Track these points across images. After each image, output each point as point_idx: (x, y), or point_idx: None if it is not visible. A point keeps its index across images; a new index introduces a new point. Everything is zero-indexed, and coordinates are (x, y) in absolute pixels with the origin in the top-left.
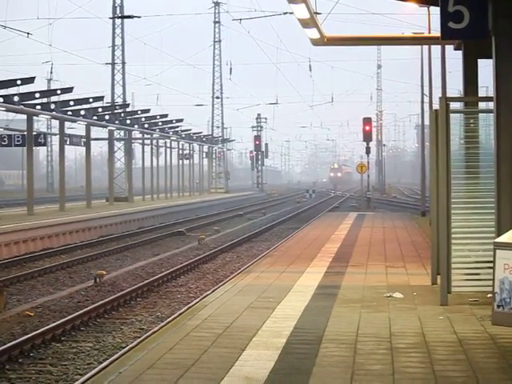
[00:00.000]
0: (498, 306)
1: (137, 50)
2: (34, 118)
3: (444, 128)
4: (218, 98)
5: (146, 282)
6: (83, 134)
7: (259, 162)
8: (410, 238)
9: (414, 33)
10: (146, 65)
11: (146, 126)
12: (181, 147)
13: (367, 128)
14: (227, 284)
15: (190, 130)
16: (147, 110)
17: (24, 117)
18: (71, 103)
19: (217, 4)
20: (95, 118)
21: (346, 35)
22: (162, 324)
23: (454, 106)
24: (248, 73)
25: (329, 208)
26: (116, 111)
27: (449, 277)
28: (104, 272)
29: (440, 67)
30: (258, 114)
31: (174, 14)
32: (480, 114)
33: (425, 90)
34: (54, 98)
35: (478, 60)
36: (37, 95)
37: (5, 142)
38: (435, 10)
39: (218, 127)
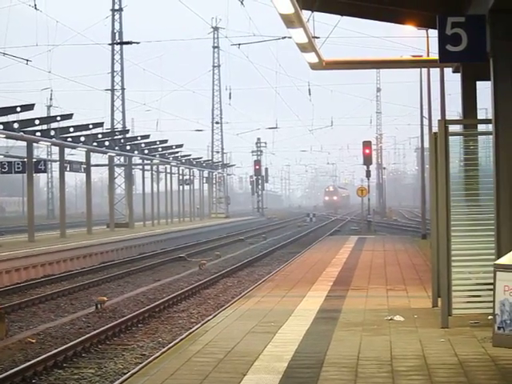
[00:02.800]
0: (499, 328)
1: (136, 75)
2: (34, 144)
3: (443, 150)
4: (217, 123)
5: (148, 307)
6: (83, 160)
7: (259, 187)
8: (410, 260)
9: (413, 56)
10: (146, 90)
11: (146, 151)
12: (181, 173)
13: (367, 151)
14: (228, 309)
15: (189, 155)
16: (147, 136)
17: (24, 143)
18: (71, 129)
19: (216, 29)
20: (95, 144)
21: (345, 59)
22: (164, 349)
23: (453, 128)
24: (247, 97)
25: (329, 232)
26: (116, 137)
27: (449, 299)
28: (105, 298)
29: (439, 90)
30: (258, 139)
31: (173, 40)
32: (479, 136)
33: (424, 113)
34: (53, 125)
35: (477, 82)
36: (36, 122)
37: (5, 168)
38: (434, 33)
39: (217, 152)
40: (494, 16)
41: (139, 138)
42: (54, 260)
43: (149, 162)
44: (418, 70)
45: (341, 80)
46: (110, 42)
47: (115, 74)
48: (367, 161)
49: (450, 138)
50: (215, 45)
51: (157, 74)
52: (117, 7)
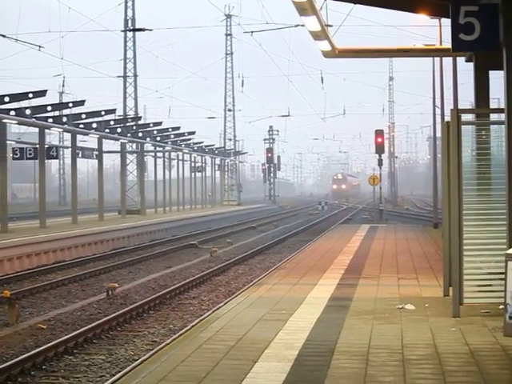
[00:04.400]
0: (510, 318)
1: (149, 62)
2: (46, 131)
3: (455, 140)
4: (230, 110)
5: (159, 294)
6: (95, 146)
7: (271, 175)
8: (422, 249)
9: (426, 45)
10: (158, 78)
11: (158, 138)
12: (193, 160)
13: (379, 140)
14: (239, 296)
15: (202, 142)
16: (159, 123)
17: (36, 130)
18: (83, 116)
19: (228, 16)
20: (107, 130)
21: (358, 47)
22: (175, 336)
23: (465, 117)
24: (260, 85)
25: (341, 220)
26: (128, 124)
27: (461, 288)
28: (116, 285)
29: (452, 79)
30: (270, 127)
31: (185, 27)
32: (491, 126)
33: (437, 102)
34: (65, 111)
35: (490, 72)
36: (49, 108)
37: (17, 155)
38: (447, 22)
39: (230, 140)
40: (507, 5)
41: (151, 125)
42: (65, 246)
43: (161, 148)
44: (431, 59)
45: (354, 69)
46: (123, 29)
47: (128, 60)
48: (379, 149)
49: (462, 127)
50: (228, 32)
51: (169, 61)
52: None
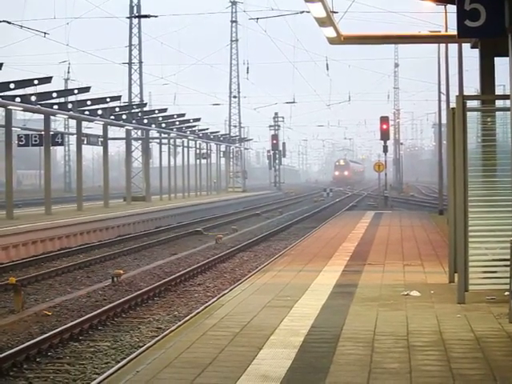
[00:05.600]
0: None
1: (154, 49)
2: (52, 117)
3: (461, 126)
4: (235, 97)
5: (164, 281)
6: (100, 133)
7: (277, 161)
8: (427, 236)
9: (431, 31)
10: (163, 64)
11: (164, 125)
12: (198, 146)
13: (384, 127)
14: (244, 283)
15: (207, 129)
16: (164, 110)
17: (41, 116)
18: (88, 103)
19: (234, 3)
20: (112, 117)
21: (363, 34)
22: (180, 323)
23: (471, 104)
24: (265, 72)
25: (346, 207)
26: (133, 111)
27: (466, 275)
28: (121, 271)
29: (457, 65)
30: (276, 113)
31: (191, 14)
32: (497, 112)
33: (442, 89)
34: (71, 98)
35: (495, 58)
36: (54, 95)
37: (22, 141)
38: (452, 9)
39: (235, 126)
40: None
41: (156, 112)
42: (70, 233)
43: (166, 135)
44: (436, 45)
45: (359, 55)
46: (128, 16)
47: (133, 47)
48: (384, 136)
49: (467, 113)
50: (233, 19)
51: (174, 47)
52: None
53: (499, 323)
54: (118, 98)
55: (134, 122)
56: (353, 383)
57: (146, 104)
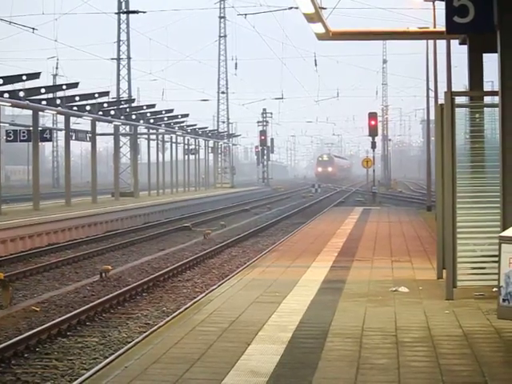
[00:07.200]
0: (504, 300)
1: (142, 45)
2: (40, 113)
3: (449, 122)
4: (223, 93)
5: (152, 276)
6: (89, 129)
7: (265, 157)
8: (415, 232)
9: (420, 27)
10: (152, 60)
11: (152, 121)
12: (186, 142)
13: (373, 123)
14: (233, 279)
15: (195, 125)
16: (153, 105)
17: (29, 112)
18: (77, 98)
19: None
20: (101, 113)
21: (352, 30)
22: (168, 319)
23: (459, 100)
24: (253, 68)
25: (334, 203)
26: (121, 106)
27: (454, 271)
28: (110, 267)
29: (445, 62)
30: (264, 109)
31: (179, 10)
32: (485, 109)
33: (430, 85)
34: (59, 94)
35: (484, 54)
36: (42, 91)
37: (10, 137)
38: (441, 5)
39: (223, 122)
40: None
41: (145, 108)
42: (58, 228)
43: (154, 131)
44: (425, 42)
45: (347, 51)
46: (117, 11)
47: (121, 43)
48: (373, 132)
49: (456, 109)
50: (221, 15)
51: (163, 43)
52: None
53: (488, 319)
54: (107, 93)
55: (122, 117)
56: (341, 379)
57: (134, 100)
